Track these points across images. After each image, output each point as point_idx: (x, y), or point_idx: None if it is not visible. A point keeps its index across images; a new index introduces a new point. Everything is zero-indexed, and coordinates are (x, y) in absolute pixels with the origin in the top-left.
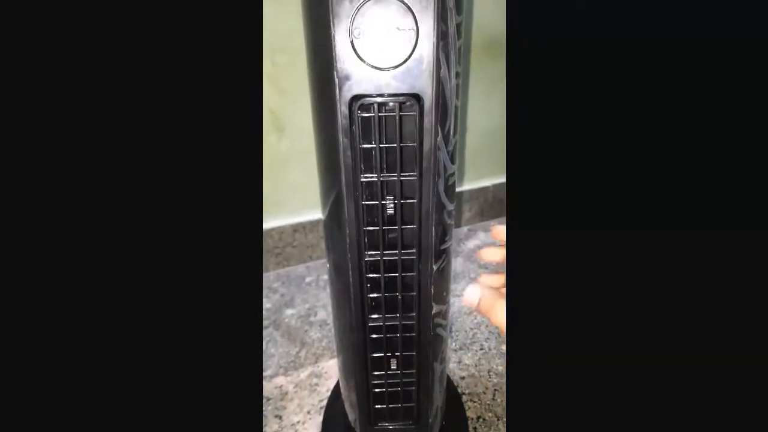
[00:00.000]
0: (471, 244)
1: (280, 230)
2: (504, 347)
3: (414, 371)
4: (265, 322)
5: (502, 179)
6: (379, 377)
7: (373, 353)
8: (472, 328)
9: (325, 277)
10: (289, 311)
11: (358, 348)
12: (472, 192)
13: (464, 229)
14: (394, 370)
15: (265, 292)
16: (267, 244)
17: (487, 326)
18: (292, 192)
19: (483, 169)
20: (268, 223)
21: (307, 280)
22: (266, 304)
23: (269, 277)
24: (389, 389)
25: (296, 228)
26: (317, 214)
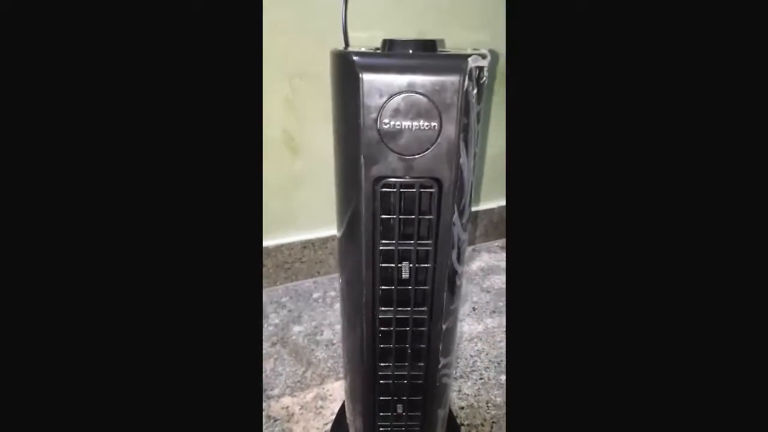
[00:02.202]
0: (474, 265)
1: (290, 246)
2: (503, 378)
3: (419, 415)
4: (273, 339)
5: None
6: (385, 418)
7: (381, 396)
8: (472, 356)
9: (332, 293)
10: (296, 328)
11: (366, 395)
12: (477, 213)
13: (468, 249)
14: (399, 413)
15: (273, 306)
16: (277, 259)
17: (487, 354)
18: (303, 210)
19: (489, 191)
20: (278, 240)
21: (315, 296)
22: (275, 320)
23: (278, 291)
24: (394, 429)
25: (305, 244)
26: (326, 231)
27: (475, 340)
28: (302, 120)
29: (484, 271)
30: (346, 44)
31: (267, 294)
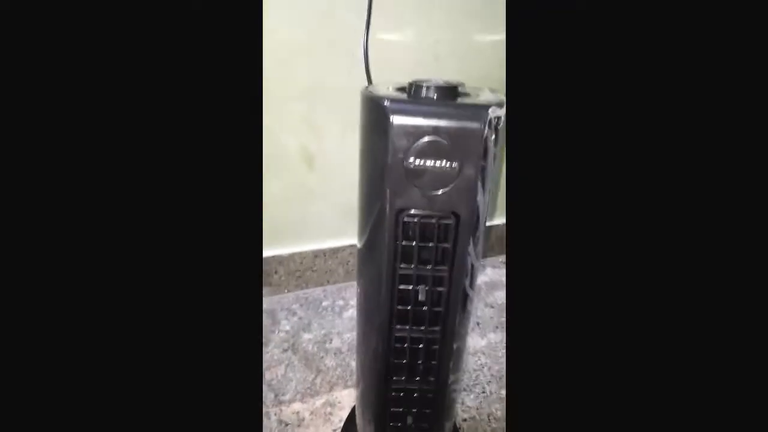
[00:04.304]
0: (478, 280)
1: (302, 255)
2: (503, 392)
3: (427, 426)
4: (284, 345)
5: None
6: (395, 428)
7: (392, 407)
8: (475, 370)
9: (340, 302)
10: (306, 336)
11: (378, 405)
12: None
13: None
14: (409, 423)
15: (284, 313)
16: (289, 267)
17: (489, 369)
18: (315, 221)
19: (494, 209)
20: (291, 248)
21: (324, 304)
22: (286, 326)
23: (289, 298)
24: None
25: (317, 254)
26: (337, 242)
27: (479, 354)
28: (319, 136)
29: (488, 285)
30: (369, 80)
31: (278, 301)
